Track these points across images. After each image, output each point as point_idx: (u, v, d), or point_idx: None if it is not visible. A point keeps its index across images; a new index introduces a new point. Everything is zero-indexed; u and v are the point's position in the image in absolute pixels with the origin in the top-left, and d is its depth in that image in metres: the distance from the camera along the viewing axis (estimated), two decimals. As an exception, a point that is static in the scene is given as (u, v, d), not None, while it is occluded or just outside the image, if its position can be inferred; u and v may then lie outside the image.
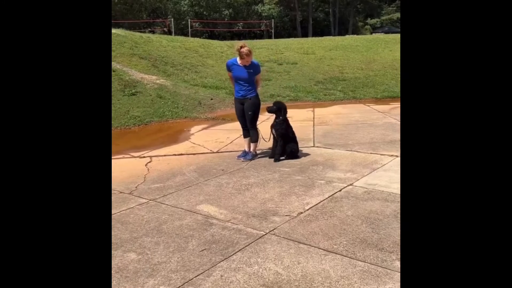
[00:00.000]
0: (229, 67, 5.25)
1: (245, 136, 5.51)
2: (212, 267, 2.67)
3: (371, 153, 5.43)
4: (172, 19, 32.18)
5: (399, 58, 10.98)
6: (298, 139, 5.53)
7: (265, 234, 3.12)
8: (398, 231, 3.09)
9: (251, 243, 2.98)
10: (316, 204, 3.69)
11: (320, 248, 2.87)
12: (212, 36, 36.12)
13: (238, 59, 5.15)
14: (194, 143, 6.47)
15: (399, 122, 7.40)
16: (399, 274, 2.51)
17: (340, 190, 4.06)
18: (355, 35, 31.19)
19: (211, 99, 10.02)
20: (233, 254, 2.83)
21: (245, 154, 5.44)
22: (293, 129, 5.58)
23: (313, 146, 5.97)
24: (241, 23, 42.17)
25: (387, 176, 4.41)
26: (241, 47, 5.03)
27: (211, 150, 5.94)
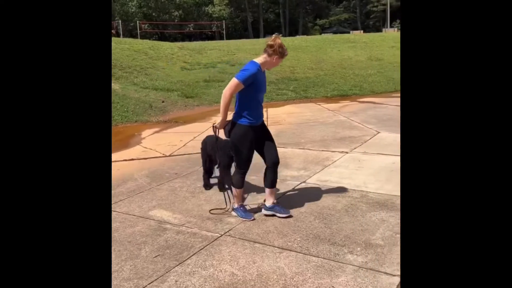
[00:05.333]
0: (254, 77, 3.12)
1: (268, 184, 3.44)
2: (166, 272, 2.62)
3: (322, 150, 5.56)
4: (120, 21, 31.24)
5: (348, 57, 11.41)
6: (251, 139, 5.56)
7: (220, 236, 3.10)
8: (350, 225, 3.18)
9: (206, 246, 2.95)
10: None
11: (275, 246, 2.90)
12: (162, 37, 35.48)
13: (266, 61, 3.22)
14: (145, 147, 6.32)
15: (349, 120, 7.65)
16: (351, 266, 2.59)
17: (293, 188, 4.13)
18: (305, 36, 31.89)
19: (163, 102, 9.84)
20: (188, 258, 2.79)
21: (273, 207, 3.42)
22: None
23: (267, 146, 6.01)
24: (192, 24, 41.76)
25: (338, 172, 4.54)
26: (277, 38, 3.22)
27: (163, 154, 5.82)
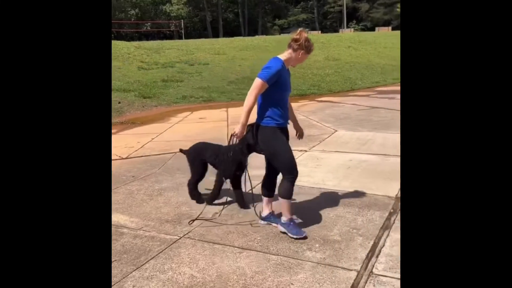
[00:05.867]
0: (279, 74, 2.88)
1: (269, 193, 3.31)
2: (124, 278, 2.54)
3: (282, 149, 5.60)
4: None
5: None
6: (212, 139, 5.50)
7: (179, 239, 3.05)
8: (308, 222, 3.23)
9: (164, 249, 2.89)
10: (232, 203, 3.71)
11: (235, 247, 2.89)
12: (118, 37, 34.49)
13: (291, 57, 2.98)
14: (102, 150, 6.11)
15: (307, 119, 7.77)
16: (309, 263, 2.63)
17: (254, 187, 4.13)
18: (264, 36, 32.09)
19: (119, 103, 9.56)
20: (146, 262, 2.72)
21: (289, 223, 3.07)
22: (210, 130, 5.54)
23: (227, 146, 6.00)
24: (149, 23, 40.92)
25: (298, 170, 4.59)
26: (302, 32, 2.98)
27: (120, 157, 5.66)
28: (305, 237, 2.95)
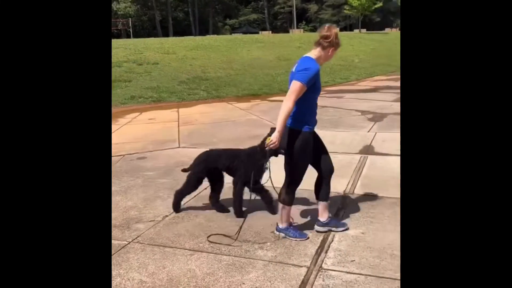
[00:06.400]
0: (317, 76, 2.73)
1: (324, 197, 3.08)
2: None
3: (234, 149, 5.61)
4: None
5: (257, 57, 11.61)
6: (162, 140, 5.41)
7: (128, 244, 2.96)
8: (261, 221, 3.26)
9: (112, 255, 2.79)
10: (183, 205, 3.65)
11: (186, 249, 2.85)
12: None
13: (320, 56, 2.81)
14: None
15: (260, 118, 7.83)
16: (261, 262, 2.65)
17: (205, 188, 4.09)
18: (215, 35, 31.94)
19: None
20: (92, 270, 2.61)
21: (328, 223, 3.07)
22: (160, 132, 5.41)
23: (178, 147, 5.91)
24: (96, 22, 39.34)
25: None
26: (332, 28, 2.82)
27: (65, 160, 5.39)
28: (307, 238, 2.96)
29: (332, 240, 2.92)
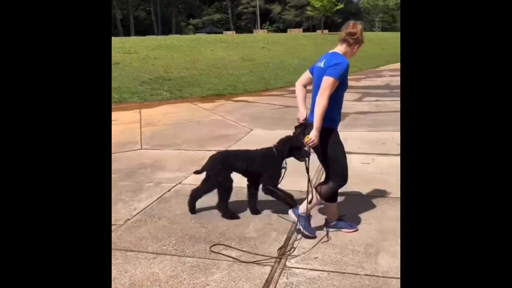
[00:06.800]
0: (347, 71, 2.74)
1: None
2: (23, 298, 2.32)
3: (199, 150, 5.57)
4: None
5: (221, 57, 11.56)
6: (124, 142, 5.28)
7: (88, 249, 2.87)
8: (225, 222, 3.25)
9: (71, 261, 2.70)
10: (145, 208, 3.59)
11: (148, 252, 2.80)
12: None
13: (346, 52, 2.81)
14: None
15: (224, 119, 7.81)
16: (226, 262, 2.64)
17: (169, 190, 4.04)
18: (178, 35, 31.53)
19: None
20: (50, 278, 2.51)
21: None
22: (121, 133, 5.27)
23: (141, 149, 5.79)
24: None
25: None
26: (357, 25, 2.83)
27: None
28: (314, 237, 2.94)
29: (296, 238, 2.96)
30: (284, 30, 44.06)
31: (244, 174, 3.38)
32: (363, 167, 4.55)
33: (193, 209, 3.43)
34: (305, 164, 2.97)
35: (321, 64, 2.76)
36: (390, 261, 2.61)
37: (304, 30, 37.32)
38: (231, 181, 3.30)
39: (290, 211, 3.04)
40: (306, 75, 3.00)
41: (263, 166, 3.23)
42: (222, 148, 5.55)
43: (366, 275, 2.47)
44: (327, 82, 2.63)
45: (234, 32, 38.78)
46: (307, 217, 2.99)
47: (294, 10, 54.54)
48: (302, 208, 2.97)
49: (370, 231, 3.04)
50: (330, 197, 2.95)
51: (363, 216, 3.31)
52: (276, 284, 2.40)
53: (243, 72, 14.72)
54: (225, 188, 3.28)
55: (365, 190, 3.87)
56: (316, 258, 2.68)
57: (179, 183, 4.25)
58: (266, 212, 3.42)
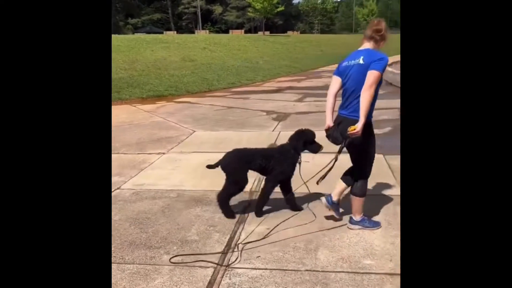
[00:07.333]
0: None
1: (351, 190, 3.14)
2: None
3: (138, 153, 5.41)
4: None
5: (162, 58, 11.33)
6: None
7: (17, 263, 2.68)
8: (166, 226, 3.19)
9: None
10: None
11: (85, 262, 2.67)
12: None
13: (375, 49, 2.86)
14: None
15: (165, 120, 7.65)
16: (167, 267, 2.59)
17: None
18: (116, 35, 30.35)
19: None
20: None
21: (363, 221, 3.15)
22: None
23: (76, 153, 5.50)
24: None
25: (155, 174, 4.49)
26: (382, 22, 2.89)
27: None
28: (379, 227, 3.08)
29: (239, 238, 2.97)
30: (226, 31, 44.09)
31: (260, 172, 3.42)
32: (304, 165, 4.66)
33: (229, 213, 3.35)
34: (341, 146, 2.93)
35: (360, 61, 2.77)
36: (329, 256, 2.70)
37: (245, 32, 37.60)
38: (246, 180, 3.31)
39: (323, 198, 3.16)
40: (337, 81, 2.95)
41: (279, 163, 3.29)
42: (163, 150, 5.44)
43: (307, 270, 2.54)
44: (373, 76, 2.68)
45: (175, 32, 38.12)
46: (364, 218, 3.09)
47: (236, 11, 54.78)
48: (354, 215, 3.09)
49: (311, 227, 3.13)
50: (364, 192, 3.03)
51: (303, 212, 3.40)
52: (219, 286, 2.39)
53: (184, 73, 14.51)
54: (238, 186, 3.30)
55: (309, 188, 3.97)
56: (258, 257, 2.71)
57: (118, 188, 4.10)
58: (209, 215, 3.41)
